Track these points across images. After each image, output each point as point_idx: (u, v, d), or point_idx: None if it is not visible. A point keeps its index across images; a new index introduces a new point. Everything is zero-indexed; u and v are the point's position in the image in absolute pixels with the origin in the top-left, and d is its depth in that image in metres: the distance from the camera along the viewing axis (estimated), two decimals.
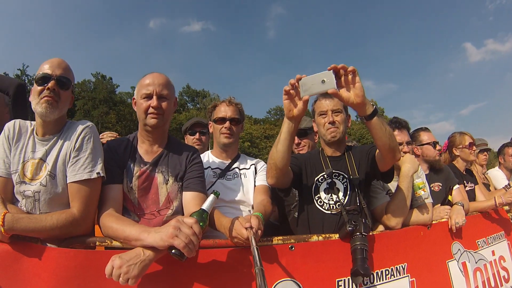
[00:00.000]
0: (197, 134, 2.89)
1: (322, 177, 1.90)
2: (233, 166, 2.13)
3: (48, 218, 1.34)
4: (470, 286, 2.05)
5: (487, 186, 3.42)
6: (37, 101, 1.46)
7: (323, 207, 1.83)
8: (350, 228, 1.51)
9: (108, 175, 1.51)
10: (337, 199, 1.79)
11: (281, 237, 1.45)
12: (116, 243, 1.36)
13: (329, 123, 1.91)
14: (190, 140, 2.92)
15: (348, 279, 1.51)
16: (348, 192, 1.83)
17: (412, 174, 1.92)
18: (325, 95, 1.94)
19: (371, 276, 1.62)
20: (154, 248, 1.20)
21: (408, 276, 1.77)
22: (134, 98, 1.72)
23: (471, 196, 3.04)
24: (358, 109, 1.41)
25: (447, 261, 2.05)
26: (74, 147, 1.49)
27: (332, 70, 1.31)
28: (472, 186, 3.11)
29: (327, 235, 1.58)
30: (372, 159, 1.78)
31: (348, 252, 1.55)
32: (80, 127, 1.52)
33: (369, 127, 1.46)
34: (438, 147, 2.79)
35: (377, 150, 1.70)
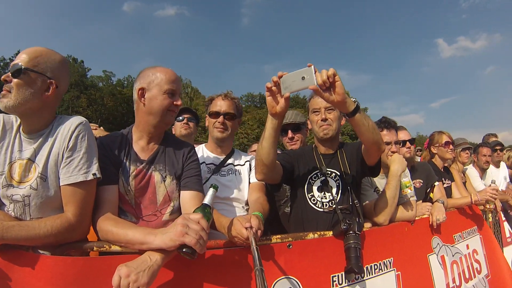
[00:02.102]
0: (185, 119, 2.90)
1: (315, 175, 1.95)
2: (228, 162, 2.12)
3: (42, 224, 1.24)
4: (448, 278, 2.21)
5: (463, 183, 3.65)
6: None
7: (317, 205, 1.89)
8: (344, 227, 1.58)
9: (103, 175, 1.43)
10: (331, 198, 1.86)
11: (279, 236, 1.50)
12: (115, 248, 1.30)
13: (321, 120, 1.96)
14: (178, 126, 2.92)
15: (342, 274, 1.59)
16: (341, 191, 1.90)
17: (400, 173, 2.03)
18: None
19: None
20: (161, 252, 1.17)
21: (394, 270, 1.88)
22: (143, 89, 1.58)
23: (448, 192, 3.25)
24: (340, 107, 1.47)
25: (428, 255, 2.20)
26: (67, 146, 1.37)
27: (312, 66, 1.34)
28: (449, 183, 3.32)
29: (322, 233, 1.65)
30: (360, 155, 1.85)
31: (341, 249, 1.63)
32: (73, 124, 1.40)
33: (352, 124, 1.53)
34: (408, 145, 2.90)
35: (363, 145, 1.77)
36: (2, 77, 1.36)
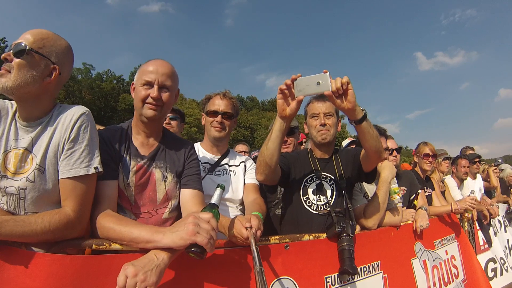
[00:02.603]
0: (167, 118, 2.84)
1: (310, 178, 2.00)
2: (223, 162, 2.12)
3: (39, 220, 1.14)
4: (429, 282, 2.33)
5: (442, 192, 3.84)
6: None
7: (311, 208, 1.94)
8: (339, 230, 1.63)
9: (103, 170, 1.36)
10: (326, 201, 1.92)
11: (277, 237, 1.53)
12: (115, 246, 1.24)
13: (320, 125, 2.01)
14: None
15: (335, 275, 1.65)
16: (335, 195, 1.96)
17: (390, 180, 2.12)
18: (318, 98, 2.05)
19: None
20: (167, 250, 1.13)
21: (381, 272, 1.97)
22: (133, 84, 1.59)
23: (429, 200, 3.41)
24: (349, 114, 1.52)
25: (411, 259, 2.31)
26: (69, 137, 1.29)
27: (328, 73, 1.39)
28: (430, 192, 3.49)
29: (317, 235, 1.70)
30: (358, 162, 1.92)
31: (334, 251, 1.70)
32: (75, 114, 1.32)
33: (358, 131, 1.59)
34: (395, 153, 3.05)
35: (362, 152, 1.84)
36: (3, 55, 1.27)
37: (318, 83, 1.39)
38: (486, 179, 5.28)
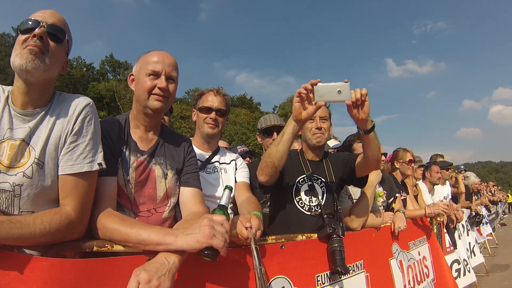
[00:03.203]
0: None
1: (302, 179, 2.07)
2: (213, 160, 2.11)
3: (37, 221, 1.03)
4: (405, 280, 2.49)
5: (415, 196, 4.09)
6: (18, 52, 1.14)
7: (304, 208, 2.00)
8: (330, 231, 1.71)
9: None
10: (317, 202, 2.00)
11: (274, 237, 1.57)
12: (118, 248, 1.16)
13: (316, 128, 2.06)
14: None
15: (325, 274, 1.72)
16: (325, 196, 2.05)
17: (376, 184, 2.25)
18: None
19: None
20: (177, 253, 1.08)
21: (364, 271, 2.08)
22: (131, 75, 1.52)
23: (404, 204, 3.63)
24: (361, 123, 1.58)
25: (389, 259, 2.46)
26: (72, 129, 1.19)
27: (348, 83, 1.44)
28: (404, 196, 3.71)
29: (309, 235, 1.77)
30: (351, 167, 2.00)
31: (324, 251, 1.78)
32: (79, 105, 1.23)
33: (365, 140, 1.67)
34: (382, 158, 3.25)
35: (359, 159, 1.92)
36: (38, 30, 1.14)
37: (339, 92, 1.43)
38: (454, 185, 5.67)
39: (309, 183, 2.04)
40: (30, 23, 1.16)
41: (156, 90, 1.44)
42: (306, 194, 2.03)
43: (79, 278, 1.02)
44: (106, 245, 1.17)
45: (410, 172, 3.68)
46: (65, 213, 1.12)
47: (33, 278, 0.96)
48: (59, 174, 1.18)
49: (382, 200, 2.44)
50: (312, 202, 2.01)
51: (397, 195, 3.15)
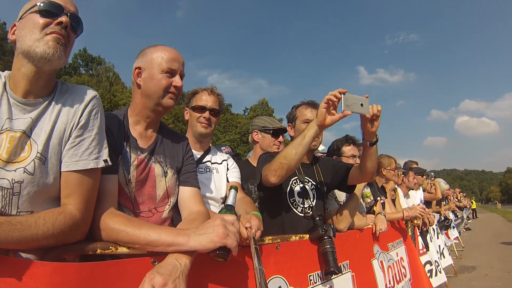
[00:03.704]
0: None
1: (295, 180, 2.13)
2: (205, 159, 2.11)
3: (40, 222, 0.95)
4: (386, 280, 2.62)
5: (393, 200, 4.30)
6: (38, 37, 1.05)
7: (297, 210, 2.07)
8: (322, 232, 1.77)
9: None
10: (309, 204, 2.08)
11: (270, 237, 1.61)
12: (122, 250, 1.11)
13: None
14: None
15: (316, 274, 1.79)
16: (316, 199, 2.13)
17: (363, 187, 2.37)
18: (311, 105, 2.19)
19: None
20: (188, 254, 1.06)
21: (350, 271, 2.18)
22: (139, 68, 1.46)
23: (383, 208, 3.81)
24: (369, 136, 1.71)
25: (371, 260, 2.58)
26: (78, 122, 1.11)
27: (368, 98, 1.58)
28: (383, 200, 3.89)
29: (301, 235, 1.84)
30: (342, 174, 2.10)
31: (315, 251, 1.85)
32: (86, 96, 1.15)
33: (368, 151, 1.78)
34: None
35: (354, 170, 2.04)
36: (65, 19, 1.08)
37: (361, 105, 1.54)
38: (429, 190, 6.03)
39: (301, 185, 2.11)
40: (52, 6, 1.09)
41: (172, 89, 1.44)
42: (299, 196, 2.10)
43: (84, 283, 0.94)
44: (110, 247, 1.10)
45: (396, 178, 3.89)
46: (69, 213, 1.04)
47: (33, 285, 0.87)
48: (62, 170, 1.10)
49: (369, 200, 2.57)
50: (304, 204, 2.08)
51: (378, 198, 3.32)
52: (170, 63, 1.43)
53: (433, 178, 7.28)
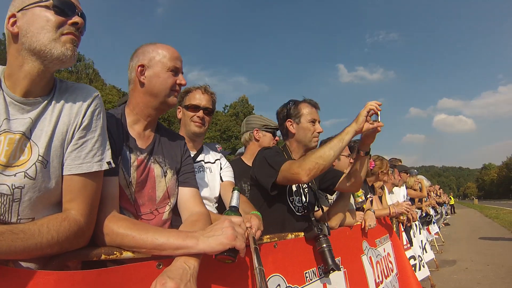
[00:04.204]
0: None
1: None
2: (198, 159, 2.11)
3: (43, 230, 0.90)
4: (375, 275, 2.72)
5: (380, 197, 4.44)
6: (55, 36, 1.01)
7: (295, 209, 2.11)
8: (318, 232, 1.81)
9: None
10: (305, 203, 2.12)
11: (268, 236, 1.64)
12: (126, 254, 1.08)
13: (317, 132, 2.18)
14: None
15: (312, 271, 1.84)
16: (309, 197, 2.19)
17: None
18: (316, 106, 2.24)
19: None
20: (196, 257, 1.06)
21: (342, 267, 2.25)
22: (142, 65, 1.43)
23: (370, 204, 3.93)
24: (366, 147, 1.85)
25: (361, 256, 2.67)
26: (81, 123, 1.07)
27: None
28: (371, 197, 4.02)
29: (297, 234, 1.89)
30: (330, 180, 2.19)
31: (310, 249, 1.90)
32: (88, 96, 1.11)
33: (362, 161, 1.90)
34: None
35: (341, 181, 2.15)
36: (80, 20, 1.06)
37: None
38: (414, 187, 6.26)
39: (297, 184, 2.14)
40: (67, 4, 1.05)
41: (177, 87, 1.45)
42: (295, 195, 2.13)
43: None
44: (115, 252, 1.07)
45: (388, 179, 4.02)
46: (73, 218, 1.00)
47: None
48: (64, 174, 1.06)
49: (360, 200, 2.65)
50: (300, 203, 2.13)
51: (368, 196, 3.43)
52: (174, 61, 1.44)
53: (415, 175, 7.55)
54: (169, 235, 1.08)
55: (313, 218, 1.97)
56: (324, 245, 1.79)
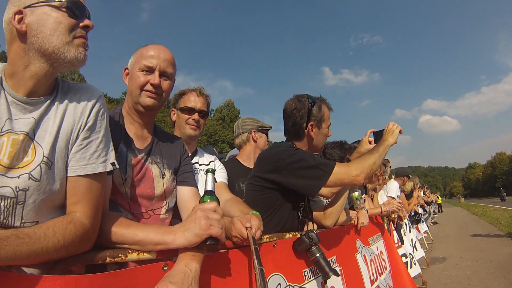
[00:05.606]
0: None
1: None
2: (193, 161, 2.11)
3: (49, 233, 0.88)
4: (369, 272, 2.80)
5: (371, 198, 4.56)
6: (68, 39, 1.00)
7: (299, 213, 2.15)
8: (311, 243, 1.74)
9: None
10: (301, 206, 2.17)
11: (268, 236, 1.68)
12: (131, 256, 1.08)
13: (328, 136, 2.22)
14: None
15: (309, 269, 1.89)
16: (305, 200, 2.24)
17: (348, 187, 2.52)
18: (331, 108, 2.23)
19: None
20: (196, 259, 1.07)
21: (338, 265, 2.31)
22: (126, 69, 1.49)
23: None
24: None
25: (355, 254, 2.75)
26: (86, 123, 1.06)
27: None
28: (364, 197, 4.12)
29: (295, 233, 1.93)
30: None
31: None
32: (92, 96, 1.10)
33: None
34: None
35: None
36: (90, 23, 1.06)
37: None
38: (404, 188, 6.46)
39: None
40: (79, 6, 1.04)
41: (148, 87, 1.42)
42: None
43: None
44: (120, 255, 1.06)
45: (381, 182, 4.15)
46: (79, 221, 0.99)
47: None
48: (68, 175, 1.04)
49: (359, 202, 2.74)
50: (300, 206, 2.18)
51: (362, 196, 3.53)
52: (148, 60, 1.41)
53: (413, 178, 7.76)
54: (149, 231, 1.09)
55: (307, 221, 1.99)
56: (318, 255, 1.75)
